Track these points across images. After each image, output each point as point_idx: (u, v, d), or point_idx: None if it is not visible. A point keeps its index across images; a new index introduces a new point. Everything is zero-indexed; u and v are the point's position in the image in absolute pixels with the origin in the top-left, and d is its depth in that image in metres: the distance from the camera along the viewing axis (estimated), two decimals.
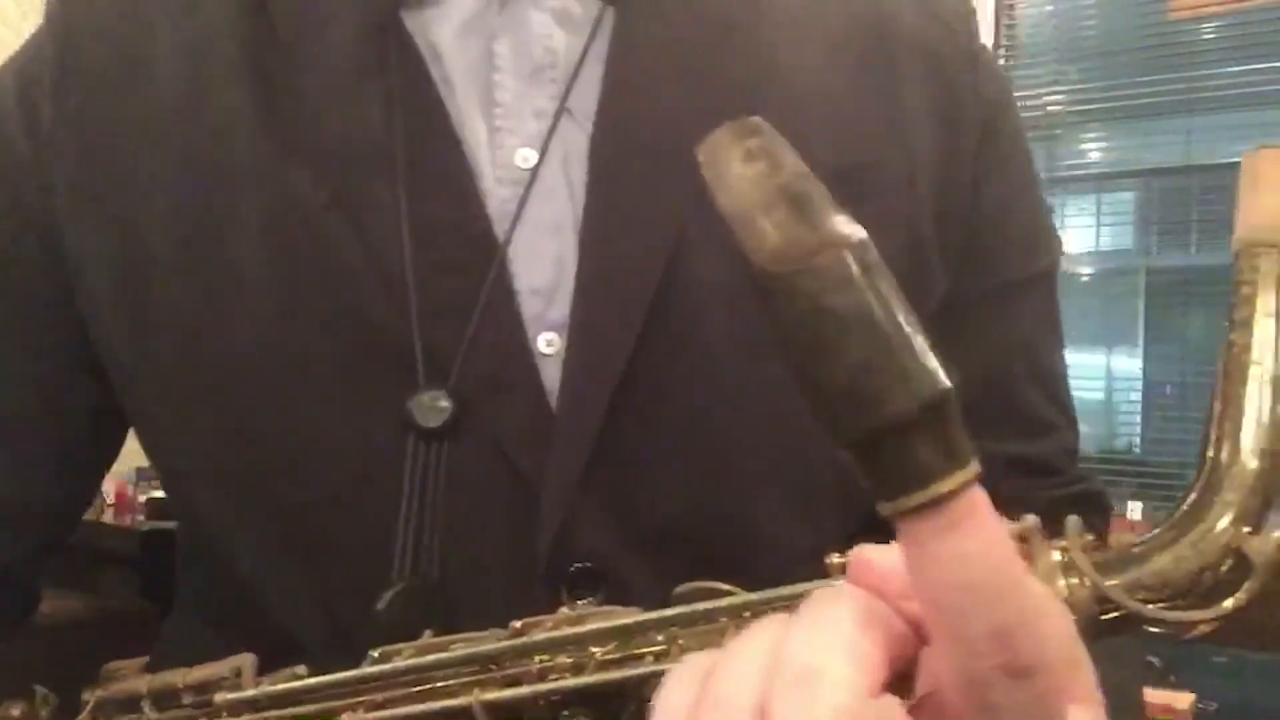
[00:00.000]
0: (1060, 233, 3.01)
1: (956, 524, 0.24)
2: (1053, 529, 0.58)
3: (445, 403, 0.48)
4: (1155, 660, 2.11)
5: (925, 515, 0.24)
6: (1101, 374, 3.12)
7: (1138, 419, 3.09)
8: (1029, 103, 3.03)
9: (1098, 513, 0.63)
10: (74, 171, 0.54)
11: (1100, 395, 3.12)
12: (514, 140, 0.52)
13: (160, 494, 2.50)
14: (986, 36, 2.93)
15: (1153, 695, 1.96)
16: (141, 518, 2.57)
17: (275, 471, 0.51)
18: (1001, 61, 3.01)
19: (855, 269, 0.23)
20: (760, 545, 0.52)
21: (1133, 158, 3.08)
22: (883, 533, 0.39)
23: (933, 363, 0.23)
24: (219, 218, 0.51)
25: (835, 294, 0.23)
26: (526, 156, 0.51)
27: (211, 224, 0.51)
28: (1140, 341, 3.09)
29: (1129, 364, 3.11)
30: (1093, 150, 3.12)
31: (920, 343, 0.23)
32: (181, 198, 0.52)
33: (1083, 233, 3.12)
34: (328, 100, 0.51)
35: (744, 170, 0.25)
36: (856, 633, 0.27)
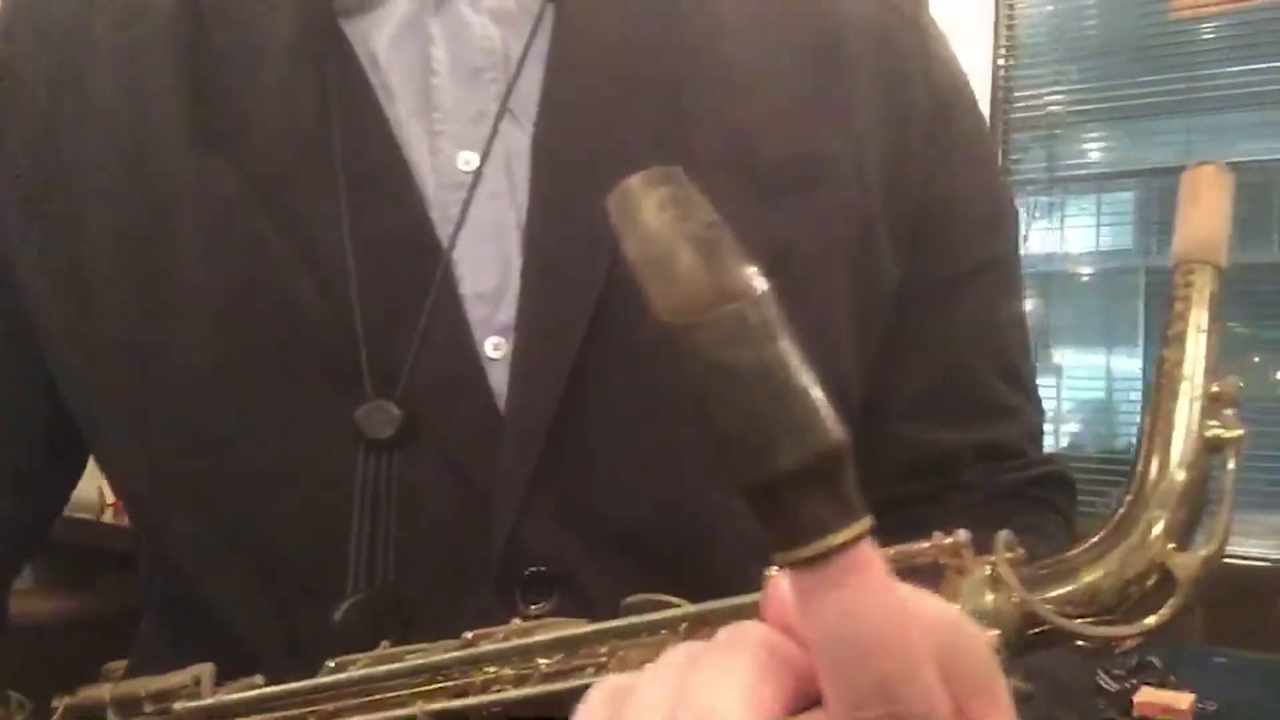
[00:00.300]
0: (1060, 232, 3.02)
1: (844, 578, 0.24)
2: (1008, 517, 0.58)
3: (394, 412, 0.48)
4: (1155, 660, 2.10)
5: (814, 568, 0.24)
6: (1101, 374, 3.12)
7: (1138, 419, 3.07)
8: (1029, 103, 3.03)
9: (1063, 493, 0.62)
10: (20, 192, 0.54)
11: (1100, 395, 3.12)
12: (454, 144, 0.51)
13: None
14: (986, 36, 2.95)
15: (1153, 695, 1.95)
16: None
17: (227, 486, 0.51)
18: (1001, 61, 3.01)
19: (751, 325, 0.23)
20: (716, 542, 0.52)
21: (1133, 158, 3.07)
22: None
23: (826, 416, 0.23)
24: (160, 234, 0.51)
25: (729, 349, 0.23)
26: (468, 160, 0.51)
27: (153, 241, 0.51)
28: (1140, 341, 3.08)
29: (1129, 364, 3.10)
30: (1093, 150, 3.11)
31: (814, 396, 0.24)
32: (123, 215, 0.52)
33: (1083, 233, 3.12)
34: (266, 112, 0.51)
35: (653, 219, 0.24)
36: (756, 676, 0.27)
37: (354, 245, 0.49)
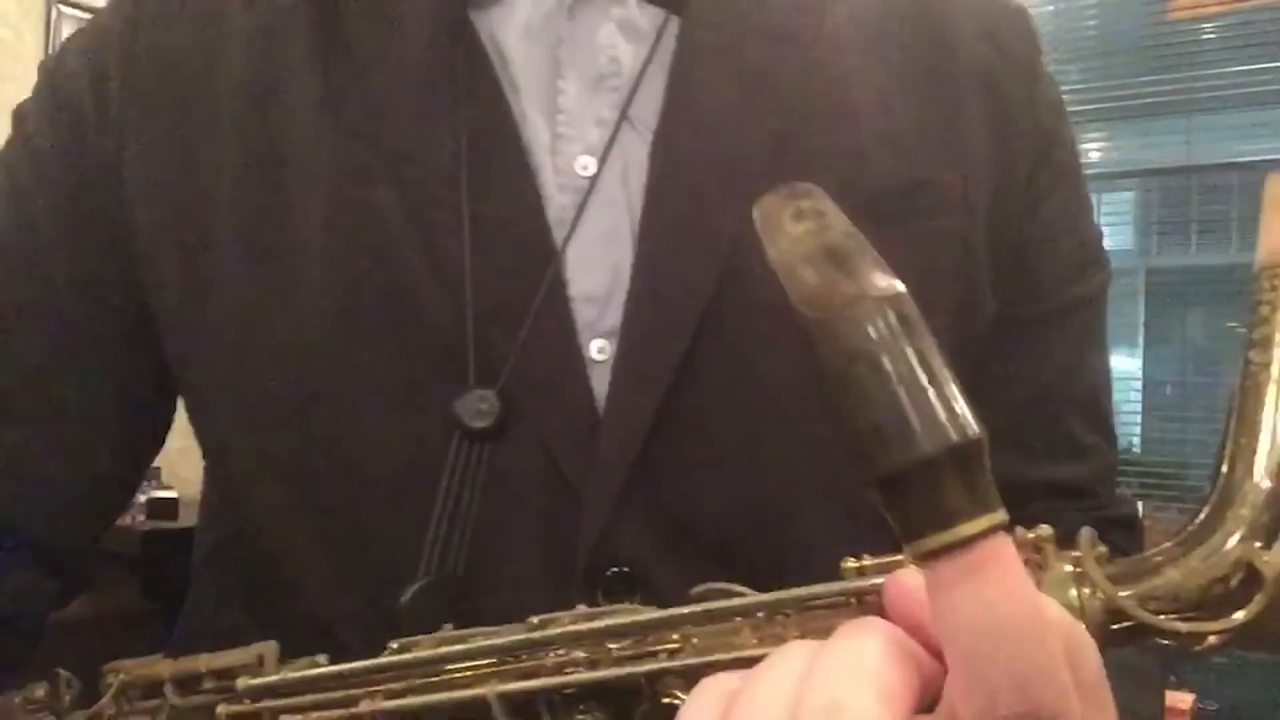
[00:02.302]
0: None
1: (979, 568, 0.24)
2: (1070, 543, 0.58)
3: (493, 403, 0.48)
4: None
5: (948, 557, 0.24)
6: None
7: (1138, 418, 3.09)
8: None
9: (1127, 536, 0.61)
10: (142, 152, 0.54)
11: None
12: (575, 147, 0.52)
13: (160, 494, 2.49)
14: None
15: None
16: (142, 518, 2.55)
17: (322, 460, 0.51)
18: None
19: (888, 320, 0.24)
20: (798, 559, 0.51)
21: (1133, 158, 3.09)
22: None
23: (963, 410, 0.24)
24: (283, 206, 0.51)
25: (866, 342, 0.24)
26: (587, 164, 0.52)
27: (275, 211, 0.52)
28: (1140, 341, 3.09)
29: (1129, 363, 3.11)
30: (1093, 150, 3.12)
31: (951, 390, 0.24)
32: (247, 184, 0.52)
33: None
34: (394, 98, 0.52)
35: (793, 227, 0.26)
36: (885, 666, 0.27)
37: (471, 235, 0.49)
